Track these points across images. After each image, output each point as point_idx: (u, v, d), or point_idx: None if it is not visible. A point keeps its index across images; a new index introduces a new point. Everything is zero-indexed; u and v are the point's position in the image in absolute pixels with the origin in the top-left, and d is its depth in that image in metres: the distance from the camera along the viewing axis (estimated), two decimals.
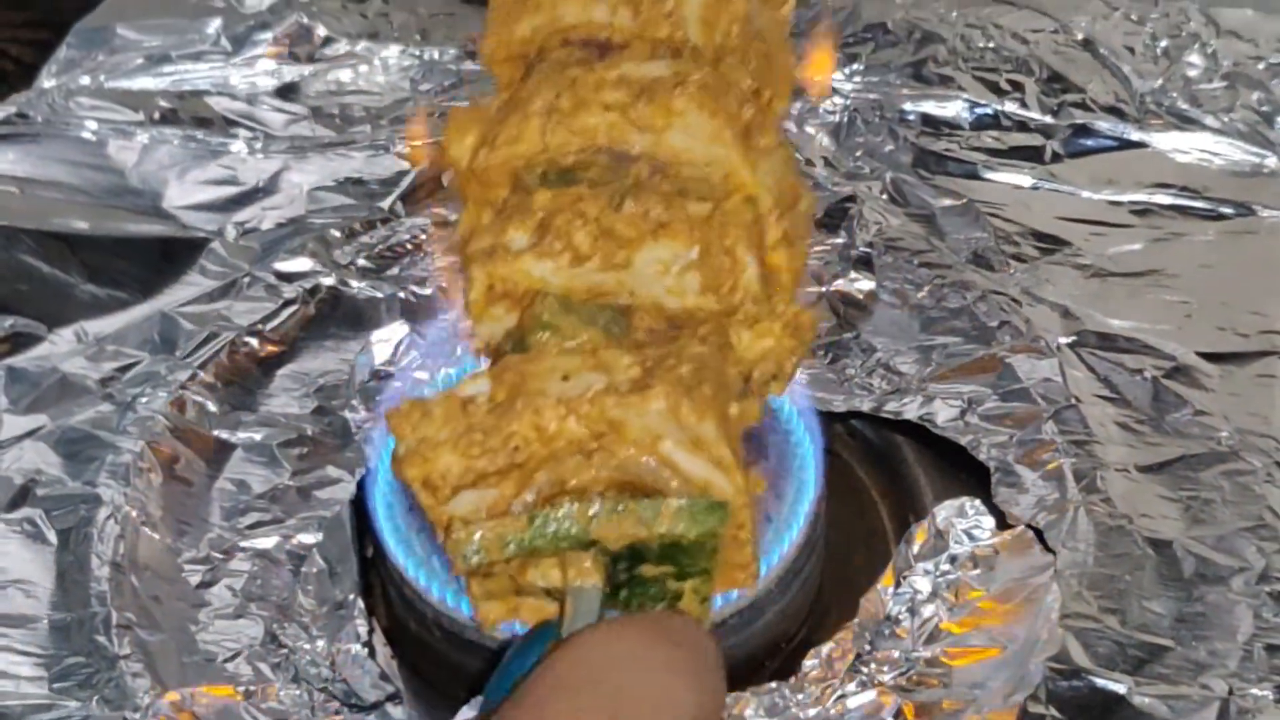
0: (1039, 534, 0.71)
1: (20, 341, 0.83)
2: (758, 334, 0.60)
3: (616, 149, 0.61)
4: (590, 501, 0.54)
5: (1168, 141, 0.92)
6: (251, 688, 0.68)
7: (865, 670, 0.67)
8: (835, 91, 0.95)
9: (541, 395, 0.55)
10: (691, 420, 0.54)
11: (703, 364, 0.56)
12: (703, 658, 0.50)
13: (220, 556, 0.75)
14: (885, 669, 0.68)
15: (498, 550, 0.54)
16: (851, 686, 0.67)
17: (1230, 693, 0.65)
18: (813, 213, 0.68)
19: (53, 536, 0.74)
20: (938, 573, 0.70)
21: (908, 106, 0.95)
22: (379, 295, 0.86)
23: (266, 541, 0.75)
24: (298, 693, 0.68)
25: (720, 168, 0.61)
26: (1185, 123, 0.92)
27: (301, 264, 0.87)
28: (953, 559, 0.70)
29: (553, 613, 0.56)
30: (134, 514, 0.75)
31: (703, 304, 0.59)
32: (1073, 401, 0.77)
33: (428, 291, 0.86)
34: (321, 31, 1.00)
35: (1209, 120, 0.92)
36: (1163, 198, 0.90)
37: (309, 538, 0.75)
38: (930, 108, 0.95)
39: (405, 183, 0.93)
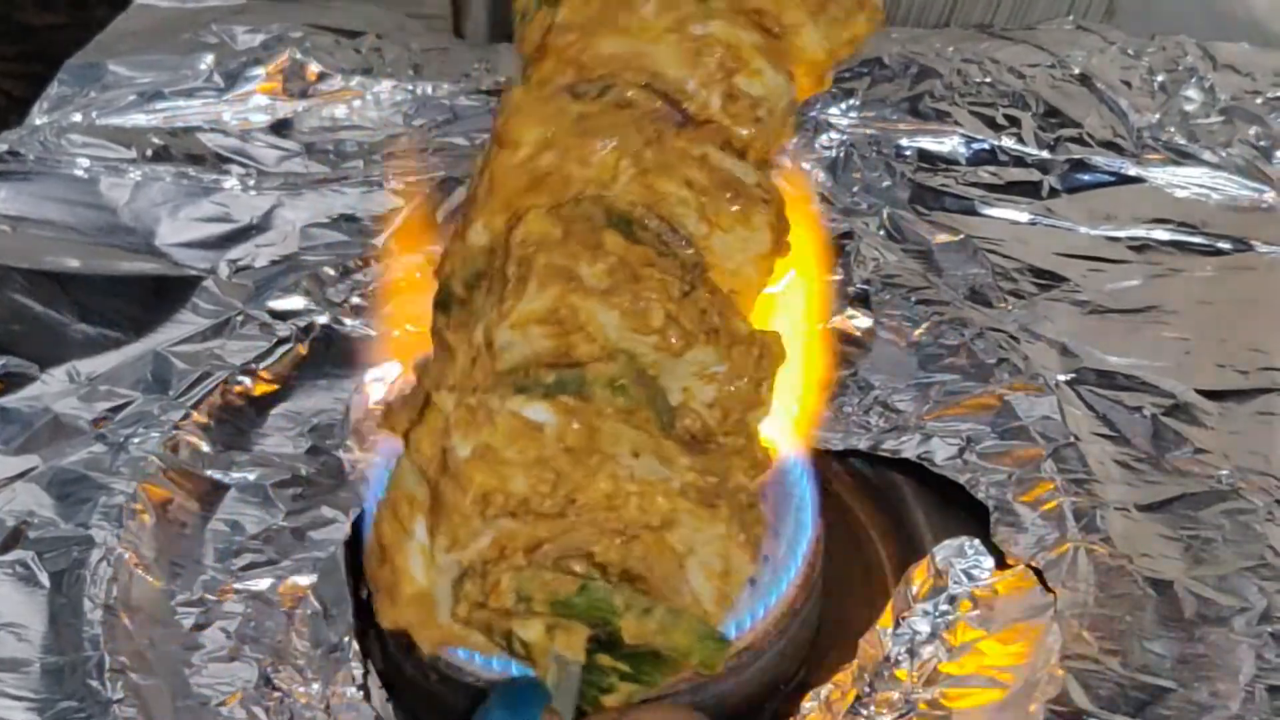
0: (1039, 574, 0.71)
1: (12, 381, 0.82)
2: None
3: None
4: (618, 590, 0.54)
5: (1165, 176, 0.92)
6: None
7: (865, 712, 0.67)
8: (832, 126, 0.95)
9: (615, 464, 0.54)
10: (737, 556, 0.54)
11: (755, 501, 0.56)
12: None
13: (214, 598, 0.74)
14: (885, 711, 0.67)
15: (541, 597, 0.53)
16: None
17: None
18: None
19: (45, 579, 0.73)
20: (937, 613, 0.69)
21: (904, 142, 0.95)
22: (373, 334, 0.86)
23: (260, 583, 0.75)
24: None
25: None
26: (1183, 157, 0.92)
27: (295, 302, 0.87)
28: (952, 599, 0.70)
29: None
30: (127, 556, 0.74)
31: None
32: (1072, 439, 0.77)
33: (422, 329, 0.85)
34: (314, 67, 0.99)
35: (1206, 155, 0.92)
36: (1160, 233, 0.90)
37: (303, 579, 0.74)
38: (927, 143, 0.95)
39: (399, 219, 0.92)
